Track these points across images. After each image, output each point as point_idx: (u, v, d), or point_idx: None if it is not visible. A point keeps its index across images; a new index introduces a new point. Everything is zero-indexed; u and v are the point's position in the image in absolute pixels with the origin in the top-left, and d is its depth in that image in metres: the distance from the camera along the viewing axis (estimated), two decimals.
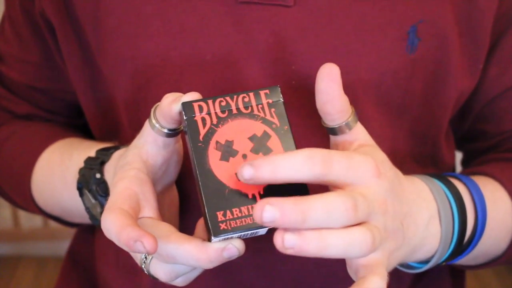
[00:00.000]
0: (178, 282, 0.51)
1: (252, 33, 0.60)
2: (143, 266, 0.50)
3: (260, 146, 0.47)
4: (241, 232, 0.45)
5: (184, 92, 0.50)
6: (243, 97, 0.49)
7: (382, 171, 0.47)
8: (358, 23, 0.59)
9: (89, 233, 0.79)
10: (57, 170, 0.69)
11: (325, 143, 0.63)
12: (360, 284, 0.44)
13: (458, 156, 0.79)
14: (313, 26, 0.59)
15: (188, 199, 0.62)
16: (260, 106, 0.49)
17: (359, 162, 0.45)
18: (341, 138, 0.51)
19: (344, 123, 0.50)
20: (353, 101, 0.61)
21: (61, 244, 1.85)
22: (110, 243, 0.73)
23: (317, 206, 0.41)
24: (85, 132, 0.77)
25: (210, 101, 0.48)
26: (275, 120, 0.48)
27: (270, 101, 0.49)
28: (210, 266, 0.45)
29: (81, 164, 0.62)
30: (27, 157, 0.72)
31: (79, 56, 0.67)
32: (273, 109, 0.48)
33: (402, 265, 0.61)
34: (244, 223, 0.45)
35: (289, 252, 0.42)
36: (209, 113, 0.48)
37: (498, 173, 0.67)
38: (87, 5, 0.63)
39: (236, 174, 0.46)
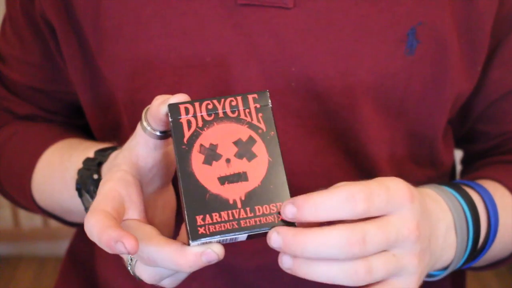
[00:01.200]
0: (165, 283, 0.51)
1: (251, 35, 0.60)
2: (129, 267, 0.51)
3: (244, 151, 0.47)
4: (219, 237, 0.45)
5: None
6: (231, 101, 0.48)
7: (414, 193, 0.48)
8: (357, 26, 0.59)
9: None
10: (57, 170, 0.69)
11: (323, 144, 0.63)
12: None
13: (458, 155, 0.79)
14: (313, 28, 0.59)
15: None
16: (247, 110, 0.48)
17: (395, 191, 0.46)
18: None
19: None
20: (352, 103, 0.62)
21: (61, 244, 1.85)
22: None
23: (316, 240, 0.44)
24: (86, 132, 0.77)
25: (197, 104, 0.47)
26: (262, 125, 0.48)
27: (258, 105, 0.48)
28: (189, 270, 0.45)
29: (80, 165, 0.62)
30: (28, 157, 0.72)
31: (79, 57, 0.67)
32: (260, 114, 0.48)
33: None
34: (223, 228, 0.45)
35: (288, 272, 0.46)
36: (195, 116, 0.47)
37: (505, 178, 0.67)
38: (87, 6, 0.63)
39: (279, 212, 0.45)
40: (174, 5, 0.60)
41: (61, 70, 0.71)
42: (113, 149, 0.61)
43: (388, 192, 0.46)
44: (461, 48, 0.63)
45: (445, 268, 0.58)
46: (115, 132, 0.69)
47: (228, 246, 0.64)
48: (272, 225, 0.45)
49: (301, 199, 0.44)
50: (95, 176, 0.59)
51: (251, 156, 0.47)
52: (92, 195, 0.59)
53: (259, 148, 0.47)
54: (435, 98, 0.64)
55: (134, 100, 0.64)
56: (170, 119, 0.47)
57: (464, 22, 0.62)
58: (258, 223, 0.45)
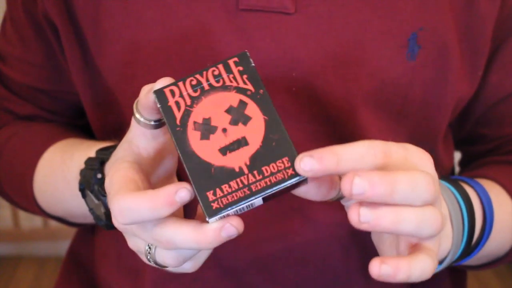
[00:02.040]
0: (187, 268, 0.50)
1: (253, 40, 0.60)
2: (148, 257, 0.50)
3: (238, 116, 0.46)
4: (235, 207, 0.44)
5: None
6: (213, 71, 0.47)
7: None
8: (359, 31, 0.59)
9: (89, 233, 0.79)
10: (58, 170, 0.69)
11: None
12: (412, 258, 0.43)
13: (457, 156, 0.79)
14: (314, 33, 0.59)
15: None
16: (231, 76, 0.47)
17: (413, 150, 0.46)
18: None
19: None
20: (352, 108, 0.62)
21: (61, 244, 1.85)
22: (111, 244, 0.73)
23: (404, 179, 0.42)
24: (86, 132, 0.77)
25: (180, 83, 0.47)
26: (249, 87, 0.47)
27: (241, 68, 0.47)
28: (210, 246, 0.45)
29: (82, 165, 0.62)
30: (29, 157, 0.72)
31: (80, 57, 0.66)
32: (245, 76, 0.47)
33: None
34: (236, 198, 0.44)
35: (364, 226, 0.42)
36: (181, 96, 0.47)
37: (501, 177, 0.67)
38: (88, 8, 0.63)
39: (287, 167, 0.44)
40: (175, 9, 0.60)
41: (62, 70, 0.71)
42: (115, 147, 0.60)
43: (406, 150, 0.45)
44: (462, 53, 0.63)
45: (441, 262, 0.58)
46: (117, 133, 0.69)
47: (230, 248, 0.64)
48: (283, 181, 0.44)
49: (320, 151, 0.42)
50: (99, 176, 0.59)
51: (246, 120, 0.46)
52: (97, 194, 0.59)
53: (252, 109, 0.46)
54: (436, 103, 0.64)
55: (133, 101, 0.64)
56: (158, 105, 0.47)
57: (465, 26, 0.62)
58: (269, 183, 0.44)
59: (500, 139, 0.72)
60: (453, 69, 0.63)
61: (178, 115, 0.46)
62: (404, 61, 0.60)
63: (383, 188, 0.41)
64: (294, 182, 0.44)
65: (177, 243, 0.45)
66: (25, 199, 0.74)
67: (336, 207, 0.64)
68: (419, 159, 0.46)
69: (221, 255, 0.65)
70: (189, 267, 0.50)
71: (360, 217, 0.42)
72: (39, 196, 0.72)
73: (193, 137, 0.46)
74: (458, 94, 0.65)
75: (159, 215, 0.43)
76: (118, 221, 0.45)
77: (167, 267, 0.50)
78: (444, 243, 0.55)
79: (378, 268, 0.42)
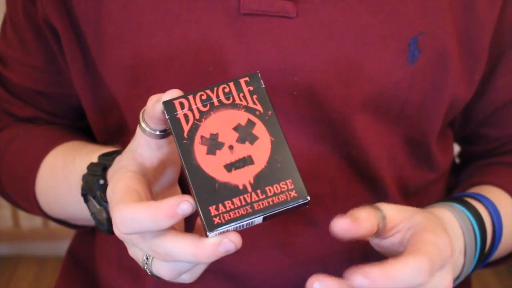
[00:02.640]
0: (185, 279, 0.50)
1: (254, 45, 0.60)
2: (145, 267, 0.50)
3: (245, 135, 0.46)
4: (236, 224, 0.45)
5: None
6: (223, 88, 0.48)
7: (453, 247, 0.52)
8: (360, 35, 0.59)
9: (89, 233, 0.79)
10: (60, 174, 0.69)
11: (325, 151, 0.63)
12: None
13: (456, 148, 0.80)
14: (315, 38, 0.59)
15: None
16: (241, 94, 0.48)
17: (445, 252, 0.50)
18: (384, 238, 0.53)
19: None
20: (353, 112, 0.62)
21: (61, 244, 1.85)
22: (111, 244, 0.73)
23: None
24: (87, 134, 0.76)
25: (190, 97, 0.47)
26: (258, 107, 0.47)
27: (251, 88, 0.48)
28: (208, 261, 0.45)
29: (84, 170, 0.62)
30: (31, 161, 0.72)
31: (81, 61, 0.66)
32: (255, 96, 0.47)
33: None
34: (238, 215, 0.45)
35: None
36: (190, 109, 0.47)
37: (507, 183, 0.68)
38: (89, 12, 0.63)
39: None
40: (177, 13, 0.60)
41: (63, 73, 0.71)
42: (117, 153, 0.60)
43: (441, 256, 0.49)
44: (460, 57, 0.63)
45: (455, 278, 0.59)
46: (117, 135, 0.69)
47: (232, 252, 0.64)
48: (286, 203, 0.45)
49: (375, 271, 0.45)
50: (101, 182, 0.59)
51: (253, 139, 0.46)
52: (99, 200, 0.59)
53: (260, 129, 0.47)
54: (433, 105, 0.64)
55: (135, 107, 0.64)
56: (167, 116, 0.47)
57: (465, 31, 0.62)
58: (271, 203, 0.45)
59: (502, 139, 0.73)
60: (452, 73, 0.63)
61: (186, 127, 0.47)
62: (404, 65, 0.61)
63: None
64: (296, 205, 0.45)
65: (175, 256, 0.45)
66: (27, 202, 0.74)
67: (337, 211, 0.64)
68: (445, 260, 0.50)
69: (222, 259, 0.65)
70: (186, 278, 0.51)
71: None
72: (41, 200, 0.72)
73: (199, 151, 0.46)
74: (454, 96, 0.65)
75: (160, 226, 0.44)
76: (119, 230, 0.45)
77: (161, 278, 0.50)
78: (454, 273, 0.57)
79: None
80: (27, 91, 0.74)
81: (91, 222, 0.64)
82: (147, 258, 0.50)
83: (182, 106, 0.47)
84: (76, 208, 0.66)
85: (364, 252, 0.66)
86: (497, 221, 0.61)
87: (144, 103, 0.63)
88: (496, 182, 0.68)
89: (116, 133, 0.69)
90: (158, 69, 0.61)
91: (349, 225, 0.49)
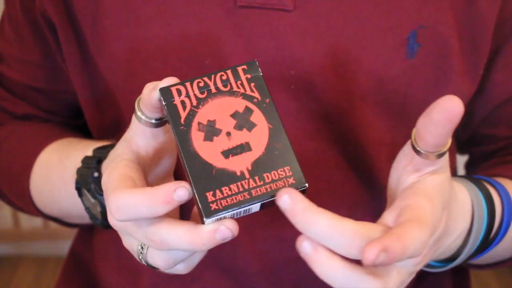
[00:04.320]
0: (180, 269, 0.50)
1: (251, 37, 0.59)
2: (140, 257, 0.50)
3: (243, 122, 0.46)
4: (233, 211, 0.44)
5: None
6: (221, 75, 0.48)
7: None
8: (358, 29, 0.59)
9: (90, 233, 0.79)
10: (55, 170, 0.68)
11: (322, 147, 0.63)
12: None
13: (462, 160, 0.79)
14: (313, 31, 0.59)
15: None
16: (239, 82, 0.48)
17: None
18: (419, 160, 0.50)
19: (433, 154, 0.49)
20: (351, 107, 0.61)
21: (61, 244, 1.85)
22: (110, 244, 0.73)
23: (326, 228, 0.43)
24: (83, 132, 0.76)
25: (187, 84, 0.47)
26: (256, 94, 0.47)
27: (249, 76, 0.48)
28: (204, 248, 0.45)
29: (79, 164, 0.62)
30: (26, 157, 0.72)
31: (78, 55, 0.66)
32: (252, 84, 0.47)
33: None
34: (235, 201, 0.44)
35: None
36: (188, 96, 0.47)
37: None
38: (87, 6, 0.63)
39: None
40: (174, 7, 0.60)
41: (60, 69, 0.70)
42: (112, 146, 0.60)
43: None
44: (462, 51, 0.63)
45: (459, 253, 0.58)
46: (114, 132, 0.69)
47: (230, 248, 0.64)
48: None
49: (390, 241, 0.42)
50: (96, 174, 0.59)
51: (250, 126, 0.46)
52: (94, 193, 0.59)
53: (257, 116, 0.47)
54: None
55: (132, 100, 0.63)
56: (163, 103, 0.47)
57: (466, 25, 0.62)
58: (269, 190, 0.45)
59: (508, 139, 0.72)
60: (454, 68, 0.62)
61: (183, 114, 0.47)
62: (403, 59, 0.60)
63: (298, 219, 0.43)
64: None
65: (171, 243, 0.45)
66: (21, 199, 0.74)
67: (334, 207, 0.64)
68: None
69: (220, 255, 0.65)
70: (182, 268, 0.50)
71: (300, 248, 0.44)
72: (36, 196, 0.72)
73: (197, 137, 0.46)
74: (459, 92, 0.64)
75: (156, 212, 0.43)
76: (114, 217, 0.45)
77: (158, 268, 0.50)
78: (453, 249, 0.56)
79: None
80: (23, 87, 0.74)
81: (85, 219, 0.64)
82: (142, 248, 0.49)
83: (179, 92, 0.47)
84: (70, 204, 0.66)
85: None
86: (508, 210, 0.60)
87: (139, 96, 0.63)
88: (508, 174, 0.67)
89: (113, 129, 0.69)
90: (155, 62, 0.61)
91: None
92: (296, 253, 0.65)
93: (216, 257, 0.65)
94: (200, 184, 0.45)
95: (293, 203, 0.42)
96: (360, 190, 0.65)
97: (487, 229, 0.57)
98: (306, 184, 0.45)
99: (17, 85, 0.74)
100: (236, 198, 0.44)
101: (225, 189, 0.45)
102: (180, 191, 0.43)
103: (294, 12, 0.59)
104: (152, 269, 0.50)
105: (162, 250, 0.47)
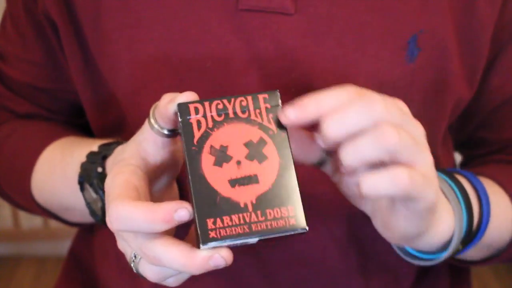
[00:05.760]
0: (170, 282, 0.50)
1: (252, 41, 0.60)
2: (132, 264, 0.50)
3: (255, 152, 0.46)
4: (231, 241, 0.44)
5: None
6: (241, 101, 0.47)
7: None
8: (358, 33, 0.59)
9: (90, 233, 0.79)
10: (58, 167, 0.68)
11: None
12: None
13: (457, 158, 0.79)
14: (313, 34, 0.59)
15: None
16: (257, 111, 0.47)
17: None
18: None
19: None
20: None
21: (61, 244, 1.85)
22: (111, 244, 0.73)
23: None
24: (86, 132, 0.76)
25: (206, 103, 0.47)
26: (273, 127, 0.47)
27: (269, 106, 0.47)
28: (196, 272, 0.45)
29: (83, 159, 0.61)
30: (28, 155, 0.72)
31: (80, 56, 0.66)
32: (271, 115, 0.47)
33: (422, 253, 0.60)
34: (234, 232, 0.44)
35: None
36: (205, 116, 0.46)
37: (499, 175, 0.67)
38: (88, 7, 0.63)
39: (279, 116, 0.46)
40: (176, 9, 0.60)
41: (62, 69, 0.70)
42: (118, 143, 0.60)
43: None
44: (461, 55, 0.63)
45: (445, 249, 0.57)
46: (116, 132, 0.69)
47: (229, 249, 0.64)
48: (283, 230, 0.45)
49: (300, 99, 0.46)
50: (99, 169, 0.59)
51: (262, 158, 0.46)
52: (96, 188, 0.59)
53: (270, 150, 0.46)
54: (435, 105, 0.64)
55: (134, 102, 0.64)
56: (179, 119, 0.46)
57: (465, 29, 0.62)
58: (269, 227, 0.45)
59: (502, 142, 0.72)
60: (453, 71, 0.63)
61: (197, 134, 0.46)
62: (403, 63, 0.60)
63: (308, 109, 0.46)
64: (293, 233, 0.45)
65: (164, 262, 0.45)
66: (22, 196, 0.74)
67: (336, 210, 0.64)
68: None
69: None
70: (171, 281, 0.50)
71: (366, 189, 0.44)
72: (38, 194, 0.72)
73: (207, 160, 0.46)
74: (457, 95, 0.65)
75: (154, 229, 0.43)
76: (112, 226, 0.45)
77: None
78: (445, 220, 0.54)
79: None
80: (26, 87, 0.74)
81: (85, 216, 0.64)
82: (135, 257, 0.50)
83: (196, 111, 0.47)
84: (72, 201, 0.66)
85: (362, 250, 0.66)
86: (481, 189, 0.59)
87: (142, 98, 0.63)
88: (487, 173, 0.67)
89: (115, 130, 0.69)
90: (156, 64, 0.61)
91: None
92: (295, 254, 0.65)
93: None
94: (202, 209, 0.44)
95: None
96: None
97: (467, 211, 0.56)
98: (307, 228, 0.45)
99: (20, 84, 0.74)
100: (235, 230, 0.44)
101: (226, 219, 0.44)
102: (182, 212, 0.43)
103: (295, 16, 0.59)
104: (141, 277, 0.51)
105: (154, 265, 0.47)
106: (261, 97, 0.47)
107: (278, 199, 0.45)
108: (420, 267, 0.70)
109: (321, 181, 0.64)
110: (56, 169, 0.69)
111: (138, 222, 0.44)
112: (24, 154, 0.72)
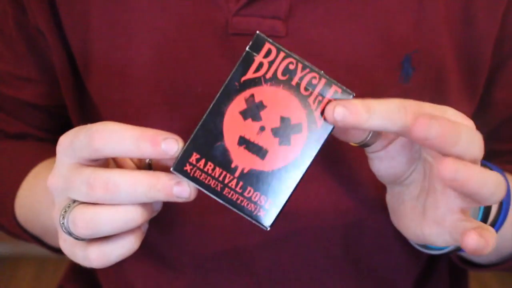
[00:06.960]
0: (92, 257, 0.46)
1: None
2: (61, 218, 0.46)
3: (284, 132, 0.42)
4: (197, 186, 0.42)
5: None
6: (313, 77, 0.43)
7: None
8: (350, 56, 0.59)
9: None
10: (40, 183, 0.66)
11: (317, 175, 0.62)
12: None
13: None
14: (305, 57, 0.58)
15: (182, 212, 0.62)
16: (320, 98, 0.43)
17: (452, 113, 0.47)
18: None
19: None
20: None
21: None
22: None
23: (465, 130, 0.43)
24: None
25: (281, 54, 0.42)
26: (319, 123, 0.43)
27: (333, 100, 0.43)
28: (158, 195, 0.42)
29: None
30: (15, 175, 0.70)
31: (70, 75, 0.66)
32: None
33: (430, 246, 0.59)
34: (206, 181, 0.42)
35: (454, 184, 0.41)
36: (271, 63, 0.42)
37: None
38: (76, 28, 0.62)
39: (323, 113, 0.42)
40: (166, 32, 0.59)
41: (57, 84, 0.69)
42: None
43: (445, 113, 0.45)
44: (460, 73, 0.62)
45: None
46: None
47: (209, 244, 0.63)
48: (248, 213, 0.43)
49: (354, 102, 0.41)
50: None
51: (285, 141, 0.43)
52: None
53: (299, 140, 0.42)
54: None
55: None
56: (247, 49, 0.43)
57: (463, 44, 0.61)
58: (238, 201, 0.43)
59: (511, 153, 0.70)
60: (452, 89, 0.62)
61: (250, 74, 0.42)
62: (397, 84, 0.59)
63: (452, 135, 0.41)
64: (254, 222, 0.43)
65: (121, 186, 0.42)
66: (7, 219, 0.70)
67: (329, 227, 0.63)
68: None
69: (237, 251, 0.64)
70: (94, 257, 0.46)
71: (454, 174, 0.40)
72: (18, 211, 0.69)
73: (237, 104, 0.42)
74: None
75: (137, 148, 0.41)
76: (95, 142, 0.42)
77: (77, 237, 0.45)
78: None
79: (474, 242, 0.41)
80: (19, 104, 0.72)
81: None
82: (68, 207, 0.46)
83: (267, 53, 0.42)
84: (48, 216, 0.65)
85: (356, 263, 0.66)
86: (507, 198, 0.57)
87: (133, 123, 0.60)
88: (508, 169, 0.64)
89: None
90: (146, 87, 0.61)
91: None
92: (310, 249, 0.63)
93: (233, 252, 0.64)
94: (197, 141, 0.42)
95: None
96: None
97: (484, 209, 0.55)
98: (268, 228, 0.43)
99: (12, 102, 0.72)
100: (209, 181, 0.42)
101: (210, 165, 0.42)
102: (171, 141, 0.41)
103: (286, 38, 0.58)
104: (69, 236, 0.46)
105: (104, 198, 0.43)
106: (334, 87, 0.43)
107: (265, 186, 0.43)
108: (417, 279, 0.70)
109: (315, 198, 0.63)
110: (38, 185, 0.66)
111: (123, 137, 0.42)
112: (11, 175, 0.70)
